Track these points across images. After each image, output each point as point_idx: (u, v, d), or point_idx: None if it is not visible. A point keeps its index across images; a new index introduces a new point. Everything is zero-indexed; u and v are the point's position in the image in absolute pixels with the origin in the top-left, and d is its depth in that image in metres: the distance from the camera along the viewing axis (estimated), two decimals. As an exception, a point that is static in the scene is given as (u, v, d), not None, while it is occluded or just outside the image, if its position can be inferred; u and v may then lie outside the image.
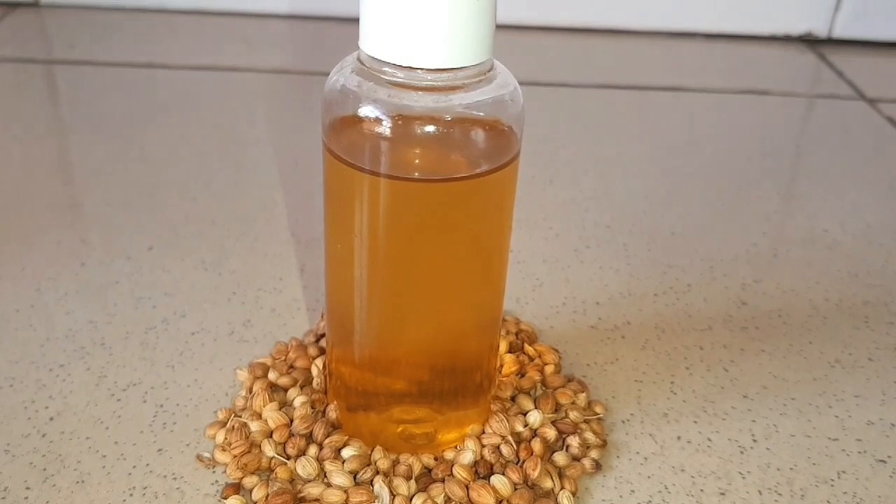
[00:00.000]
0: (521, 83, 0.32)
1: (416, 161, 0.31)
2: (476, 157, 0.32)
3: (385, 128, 0.31)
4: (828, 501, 0.35)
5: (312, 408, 0.37)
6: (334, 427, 0.36)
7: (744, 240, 0.55)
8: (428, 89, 0.30)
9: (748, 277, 0.51)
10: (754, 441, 0.38)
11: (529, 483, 0.34)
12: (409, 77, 0.30)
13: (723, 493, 0.36)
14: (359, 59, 0.31)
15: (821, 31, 0.90)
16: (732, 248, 0.53)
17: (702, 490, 0.36)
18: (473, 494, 0.33)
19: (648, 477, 0.36)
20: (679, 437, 0.38)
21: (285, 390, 0.39)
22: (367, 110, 0.31)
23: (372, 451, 0.35)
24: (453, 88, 0.30)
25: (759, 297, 0.49)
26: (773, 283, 0.50)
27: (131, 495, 0.34)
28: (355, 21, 0.31)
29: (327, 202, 0.33)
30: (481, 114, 0.32)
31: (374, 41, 0.30)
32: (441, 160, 0.32)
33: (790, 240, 0.55)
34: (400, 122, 0.30)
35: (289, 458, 0.35)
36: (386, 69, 0.30)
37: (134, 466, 0.35)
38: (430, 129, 0.31)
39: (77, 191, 0.57)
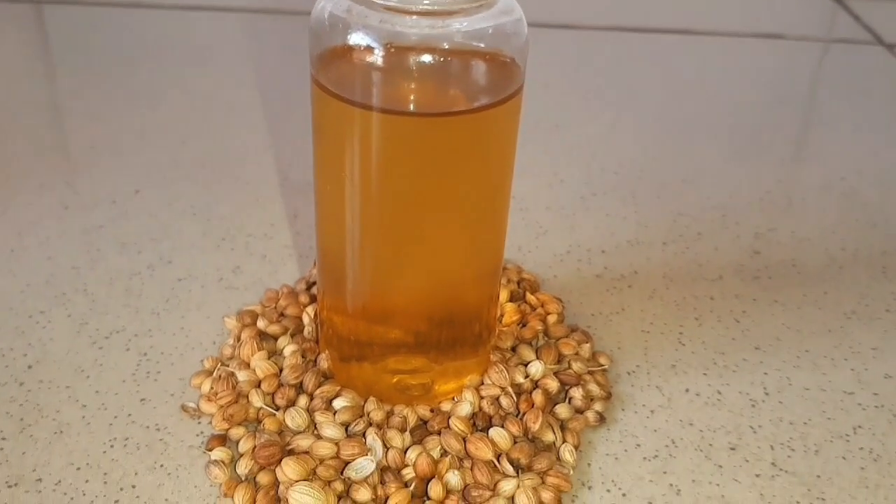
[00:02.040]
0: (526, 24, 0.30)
1: (411, 94, 0.29)
2: (476, 91, 0.30)
3: (377, 57, 0.28)
4: (843, 457, 0.34)
5: (303, 357, 0.35)
6: (326, 377, 0.35)
7: (757, 187, 0.52)
8: (423, 13, 0.28)
9: (761, 226, 0.49)
10: (766, 394, 0.37)
11: (530, 436, 0.33)
12: (403, 0, 0.28)
13: (733, 448, 0.34)
14: (349, -18, 0.29)
15: (839, -28, 0.86)
16: (745, 196, 0.51)
17: (711, 444, 0.34)
18: (471, 447, 0.32)
19: (655, 430, 0.35)
20: (687, 390, 0.37)
21: (275, 339, 0.37)
22: (357, 38, 0.28)
23: (365, 402, 0.34)
24: (451, 13, 0.28)
25: (773, 245, 0.47)
26: (787, 231, 0.48)
27: (112, 446, 0.33)
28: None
29: (316, 140, 0.31)
30: (482, 44, 0.29)
31: (365, -39, 0.28)
32: (438, 93, 0.29)
33: (805, 187, 0.53)
34: (393, 51, 0.28)
35: (277, 408, 0.33)
36: (378, -9, 0.28)
37: (115, 417, 0.34)
38: (427, 58, 0.28)
39: (63, 133, 0.55)
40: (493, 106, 0.30)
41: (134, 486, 0.31)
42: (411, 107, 0.29)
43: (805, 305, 0.42)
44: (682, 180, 0.53)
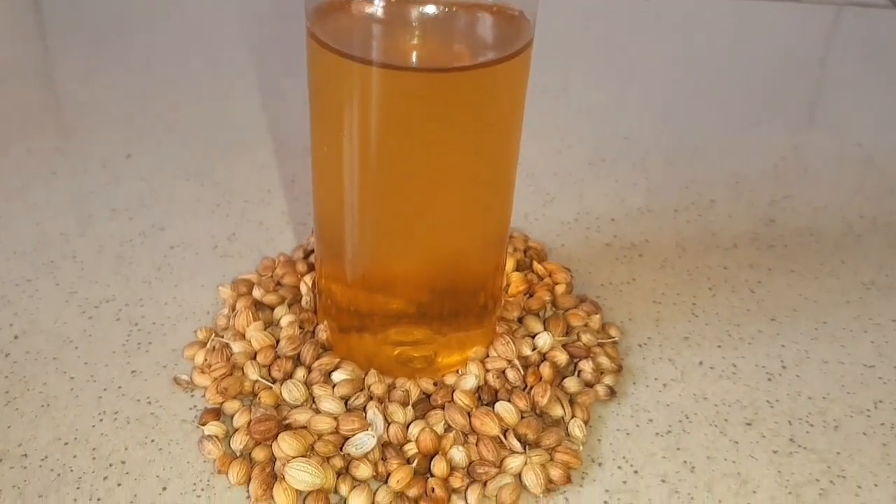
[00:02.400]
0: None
1: (413, 48, 0.27)
2: (482, 45, 0.28)
3: (377, 8, 0.26)
4: (864, 433, 0.32)
5: (301, 328, 0.34)
6: (324, 349, 0.33)
7: (771, 153, 0.51)
8: (427, -39, 0.26)
9: (776, 193, 0.47)
10: (783, 368, 0.35)
11: (537, 411, 0.31)
12: (405, -54, 0.26)
13: (749, 424, 0.33)
14: (347, -73, 0.27)
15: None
16: (759, 162, 0.50)
17: (726, 420, 0.33)
18: (476, 422, 0.30)
19: (668, 405, 0.33)
20: (701, 363, 0.35)
21: (271, 309, 0.35)
22: (356, -13, 0.27)
23: (365, 374, 0.32)
24: (456, -39, 0.26)
25: (788, 213, 0.45)
26: (803, 199, 0.46)
27: (101, 420, 0.31)
28: None
29: (313, 99, 0.30)
30: (489, -4, 0.27)
31: None
32: (442, 47, 0.28)
33: (821, 154, 0.51)
34: (394, 2, 0.26)
35: (274, 381, 0.32)
36: (378, -64, 0.26)
37: (105, 389, 0.33)
38: (430, 10, 0.26)
39: (53, 96, 0.53)
40: (500, 62, 0.28)
41: (124, 462, 0.30)
42: (413, 61, 0.27)
43: (822, 275, 0.41)
44: (694, 146, 0.51)
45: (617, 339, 0.36)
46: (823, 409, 0.33)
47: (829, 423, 0.33)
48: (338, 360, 0.32)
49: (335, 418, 0.30)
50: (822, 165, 0.50)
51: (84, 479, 0.29)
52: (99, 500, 0.28)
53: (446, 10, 0.27)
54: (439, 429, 0.30)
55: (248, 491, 0.29)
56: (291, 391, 0.31)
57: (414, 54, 0.27)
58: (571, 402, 0.32)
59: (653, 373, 0.35)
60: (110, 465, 0.30)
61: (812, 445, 0.32)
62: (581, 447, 0.31)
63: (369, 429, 0.30)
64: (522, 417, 0.31)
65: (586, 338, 0.35)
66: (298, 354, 0.33)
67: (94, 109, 0.51)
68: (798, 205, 0.46)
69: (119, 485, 0.29)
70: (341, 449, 0.29)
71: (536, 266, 0.38)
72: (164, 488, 0.29)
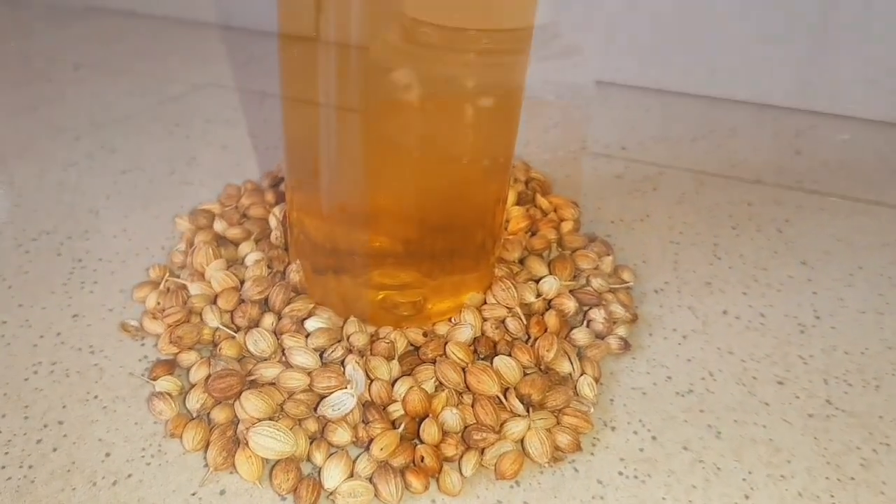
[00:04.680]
0: None
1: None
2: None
3: None
4: (910, 394, 0.29)
5: (269, 267, 0.31)
6: (297, 292, 0.29)
7: (796, 77, 0.46)
8: None
9: (803, 122, 0.43)
10: (817, 318, 0.32)
11: (542, 366, 0.28)
12: None
13: (781, 383, 0.29)
14: None
15: None
16: (782, 86, 0.45)
17: (755, 378, 0.29)
18: (472, 380, 0.26)
19: (688, 360, 0.29)
20: (725, 312, 0.31)
21: (235, 245, 0.32)
22: None
23: (344, 323, 0.29)
24: None
25: (817, 144, 0.41)
26: (831, 128, 0.43)
27: (35, 373, 0.28)
28: None
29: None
30: None
31: None
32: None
33: (850, 79, 0.47)
34: None
35: (237, 330, 0.28)
36: None
37: (41, 336, 0.29)
38: None
39: (-7, -1, 0.48)
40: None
41: (61, 423, 0.26)
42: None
43: (856, 214, 0.37)
44: (713, 66, 0.46)
45: (631, 284, 0.32)
46: (862, 366, 0.30)
47: (868, 382, 0.29)
48: (312, 305, 0.29)
49: (308, 374, 0.26)
50: (851, 92, 0.45)
51: (14, 442, 0.25)
52: (31, 467, 0.25)
53: None
54: (429, 387, 0.27)
55: (205, 458, 0.25)
56: (258, 342, 0.27)
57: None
58: (580, 357, 0.28)
59: (671, 323, 0.31)
60: (45, 425, 0.26)
61: (851, 408, 0.28)
62: (592, 409, 0.27)
63: (348, 386, 0.26)
64: (525, 374, 0.27)
65: (597, 283, 0.31)
66: (266, 299, 0.29)
67: (38, 15, 0.46)
68: (827, 135, 0.42)
69: (55, 449, 0.25)
70: (315, 410, 0.26)
71: (540, 200, 0.34)
72: (108, 454, 0.25)
